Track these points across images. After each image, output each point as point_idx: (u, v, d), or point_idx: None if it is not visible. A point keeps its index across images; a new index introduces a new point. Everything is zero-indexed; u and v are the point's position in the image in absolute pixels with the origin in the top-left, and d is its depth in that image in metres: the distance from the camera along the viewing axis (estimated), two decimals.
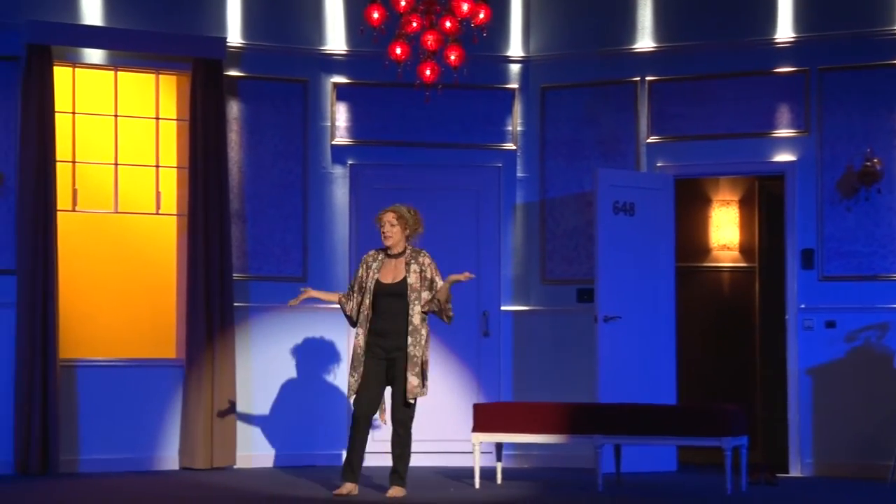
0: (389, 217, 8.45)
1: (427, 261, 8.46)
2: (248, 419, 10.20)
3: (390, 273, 8.46)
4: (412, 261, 8.45)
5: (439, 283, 8.42)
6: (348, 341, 10.10)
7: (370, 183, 10.56)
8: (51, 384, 9.50)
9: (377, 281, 8.43)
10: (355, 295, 8.51)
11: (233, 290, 10.04)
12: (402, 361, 8.35)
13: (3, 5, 9.68)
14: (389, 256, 8.49)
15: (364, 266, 8.53)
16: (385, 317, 8.39)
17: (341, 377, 10.30)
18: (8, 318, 9.54)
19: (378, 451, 9.51)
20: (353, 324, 8.55)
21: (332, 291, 9.11)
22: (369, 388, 8.38)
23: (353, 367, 8.44)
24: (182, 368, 9.99)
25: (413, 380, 8.32)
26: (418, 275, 8.41)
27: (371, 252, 8.60)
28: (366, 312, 8.42)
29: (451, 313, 8.47)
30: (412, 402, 8.37)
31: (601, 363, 9.94)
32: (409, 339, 8.35)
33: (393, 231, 8.43)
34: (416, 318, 8.38)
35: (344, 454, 8.55)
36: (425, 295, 8.39)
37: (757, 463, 9.86)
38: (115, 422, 9.85)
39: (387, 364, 8.41)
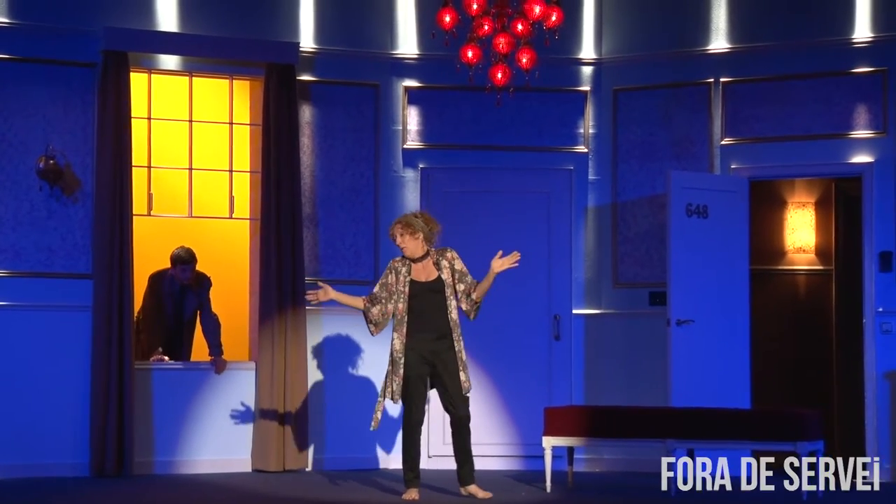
0: (397, 230, 8.48)
1: (453, 254, 8.52)
2: (320, 422, 10.24)
3: (422, 273, 8.49)
4: (440, 258, 8.50)
5: (467, 274, 8.45)
6: None
7: (441, 186, 10.57)
8: (126, 387, 9.59)
9: (412, 281, 8.45)
10: (383, 300, 8.49)
11: (305, 293, 10.08)
12: (451, 357, 8.38)
13: (79, 13, 9.80)
14: (415, 261, 8.52)
15: (392, 272, 8.52)
16: (424, 316, 8.42)
17: None
18: (84, 321, 9.65)
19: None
20: (373, 328, 8.52)
21: (355, 296, 8.73)
22: (417, 390, 8.41)
23: (392, 372, 8.43)
24: (255, 371, 10.06)
25: (462, 375, 8.39)
26: (449, 270, 8.46)
27: (397, 259, 8.61)
28: (400, 316, 8.43)
29: (478, 311, 8.50)
30: (468, 396, 8.45)
31: (674, 367, 9.87)
32: (454, 335, 8.39)
33: (405, 241, 8.45)
34: (454, 314, 8.44)
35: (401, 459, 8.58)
36: (460, 287, 8.44)
37: None
38: (188, 424, 9.94)
39: (431, 363, 8.43)
